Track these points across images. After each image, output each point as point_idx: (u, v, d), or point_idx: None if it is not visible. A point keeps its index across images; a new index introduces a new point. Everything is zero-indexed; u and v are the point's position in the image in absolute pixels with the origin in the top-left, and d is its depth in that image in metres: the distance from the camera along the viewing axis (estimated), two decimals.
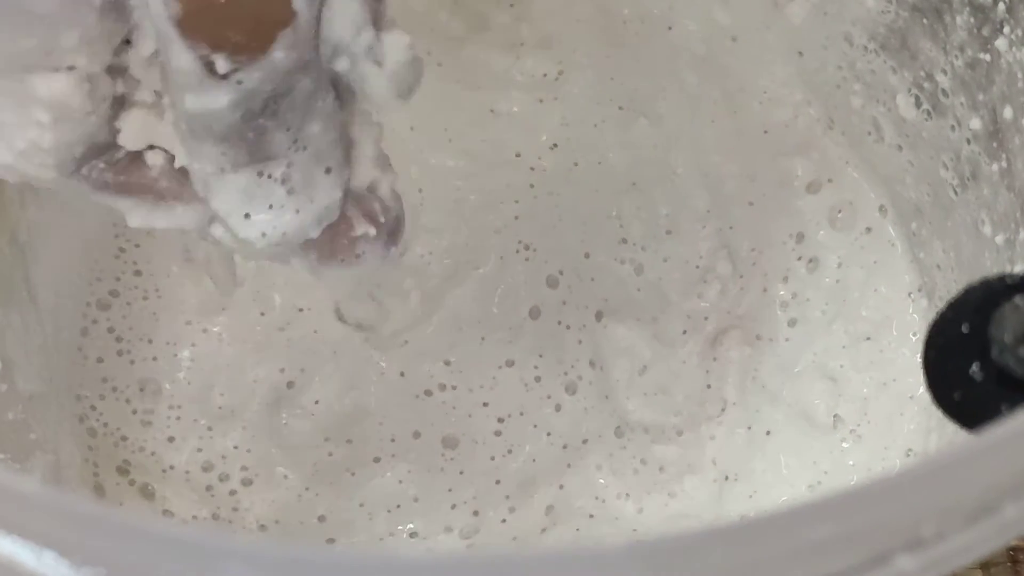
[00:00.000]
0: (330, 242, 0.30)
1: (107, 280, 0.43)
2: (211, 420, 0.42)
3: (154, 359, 0.42)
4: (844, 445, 0.41)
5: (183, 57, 0.26)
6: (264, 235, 0.29)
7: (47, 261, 0.40)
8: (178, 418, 0.42)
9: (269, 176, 0.28)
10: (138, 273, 0.43)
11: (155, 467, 0.41)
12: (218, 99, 0.26)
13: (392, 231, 0.31)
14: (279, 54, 0.26)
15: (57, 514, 0.19)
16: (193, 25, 0.25)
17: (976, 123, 0.38)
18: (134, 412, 0.42)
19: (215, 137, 0.27)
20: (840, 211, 0.44)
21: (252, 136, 0.27)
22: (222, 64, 0.26)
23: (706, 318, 0.43)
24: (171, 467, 0.41)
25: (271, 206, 0.28)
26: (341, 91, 0.29)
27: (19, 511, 0.19)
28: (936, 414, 0.27)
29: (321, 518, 0.41)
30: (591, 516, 0.41)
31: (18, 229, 0.39)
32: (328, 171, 0.29)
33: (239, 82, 0.26)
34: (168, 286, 0.43)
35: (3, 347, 0.37)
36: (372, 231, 0.30)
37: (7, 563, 0.19)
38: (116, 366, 0.42)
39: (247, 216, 0.28)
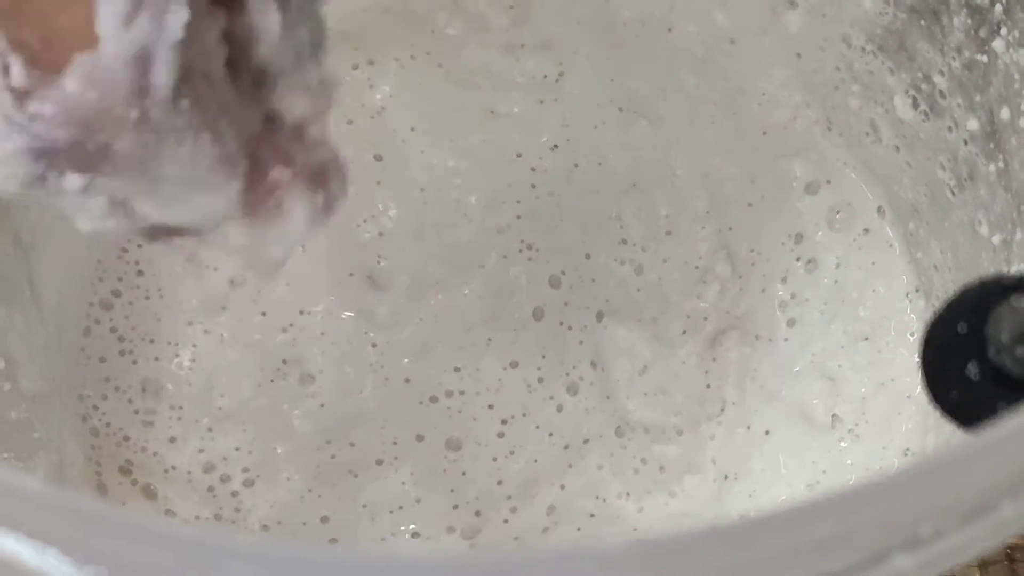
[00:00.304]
0: (246, 196, 0.25)
1: (110, 280, 0.43)
2: (213, 421, 0.42)
3: (156, 359, 0.42)
4: (842, 444, 0.41)
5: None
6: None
7: (50, 261, 0.40)
8: (179, 419, 0.42)
9: (124, 201, 0.24)
10: (140, 273, 0.43)
11: (157, 467, 0.41)
12: (12, 139, 0.22)
13: (317, 178, 0.26)
14: (71, 84, 0.21)
15: (60, 513, 0.19)
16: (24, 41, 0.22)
17: (973, 124, 0.38)
18: (136, 412, 0.42)
19: (23, 187, 0.23)
20: (838, 212, 0.44)
21: (77, 184, 0.23)
22: (17, 72, 0.22)
23: (705, 318, 0.43)
24: (173, 467, 0.41)
25: (159, 205, 0.24)
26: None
27: (22, 510, 0.19)
28: (934, 414, 0.27)
29: (324, 519, 0.41)
30: (592, 516, 0.41)
31: (21, 230, 0.39)
32: (206, 185, 0.24)
33: (31, 118, 0.22)
34: (170, 286, 0.43)
35: (6, 347, 0.37)
36: (288, 176, 0.25)
37: (10, 561, 0.19)
38: (118, 366, 0.42)
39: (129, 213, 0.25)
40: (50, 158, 0.22)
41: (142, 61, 0.21)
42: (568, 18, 0.46)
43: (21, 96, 0.22)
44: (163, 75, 0.22)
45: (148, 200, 0.24)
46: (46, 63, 0.21)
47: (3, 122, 0.22)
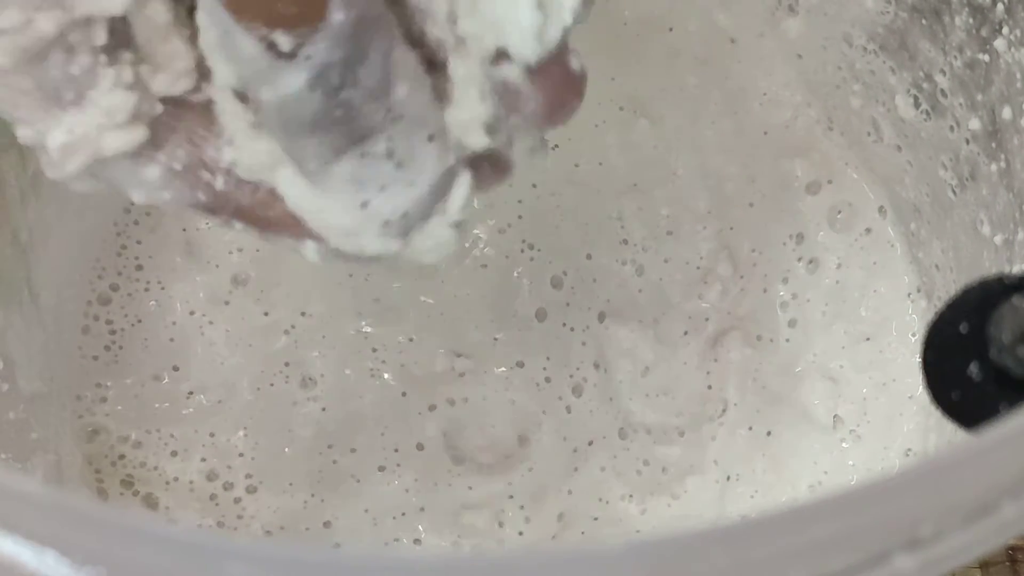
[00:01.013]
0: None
1: (109, 279, 0.43)
2: (214, 426, 0.42)
3: (156, 361, 0.42)
4: (844, 445, 0.41)
5: (245, 43, 0.25)
6: (387, 223, 0.27)
7: (48, 261, 0.40)
8: (180, 423, 0.42)
9: (372, 155, 0.26)
10: (140, 267, 0.43)
11: (158, 479, 0.41)
12: (293, 81, 0.25)
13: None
14: (338, 15, 0.25)
15: (58, 514, 0.19)
16: (244, 5, 0.25)
17: (975, 123, 0.38)
18: (136, 414, 0.42)
19: (306, 127, 0.26)
20: (840, 212, 0.44)
21: (341, 114, 0.26)
22: (284, 41, 0.25)
23: (707, 319, 0.43)
24: (175, 479, 0.41)
25: (383, 186, 0.27)
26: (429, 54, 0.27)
27: (20, 511, 0.19)
28: (935, 414, 0.27)
29: (326, 524, 0.41)
30: (595, 519, 0.41)
31: (19, 229, 0.39)
32: (431, 138, 0.27)
33: (308, 57, 0.25)
34: (171, 284, 0.43)
35: (5, 347, 0.37)
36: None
37: (8, 563, 0.19)
38: (117, 366, 0.42)
39: (364, 205, 0.27)
40: (326, 81, 0.25)
41: None
42: None
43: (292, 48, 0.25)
44: None
45: (395, 145, 0.26)
46: (308, 18, 0.25)
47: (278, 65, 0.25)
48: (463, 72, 0.27)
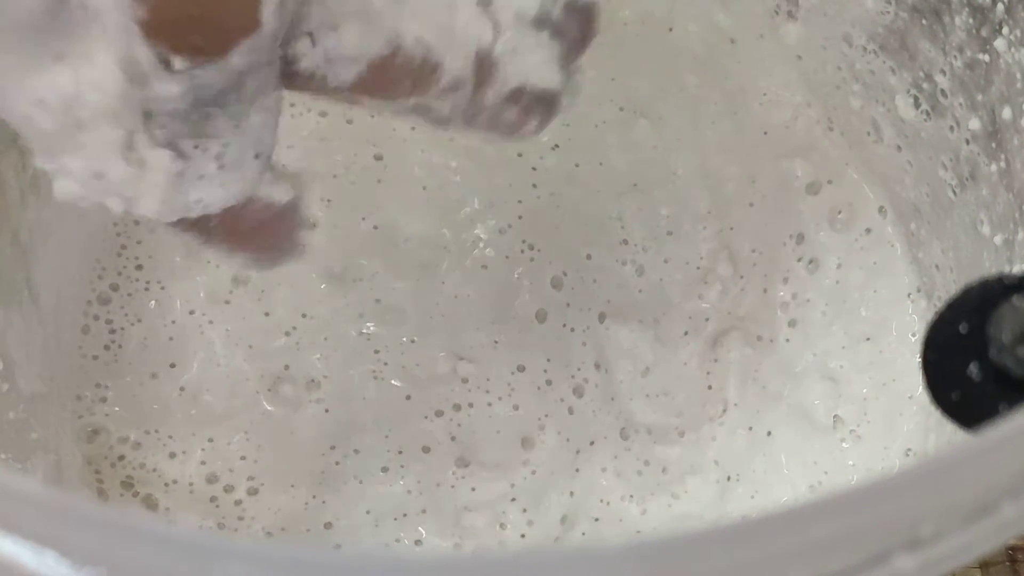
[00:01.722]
0: (235, 219, 0.30)
1: (108, 278, 0.43)
2: (215, 428, 0.42)
3: (156, 361, 0.42)
4: (844, 445, 0.41)
5: (140, 51, 0.26)
6: (182, 202, 0.29)
7: (48, 261, 0.40)
8: (180, 426, 0.42)
9: (205, 150, 0.28)
10: (140, 268, 0.43)
11: (158, 480, 0.41)
12: (169, 89, 0.26)
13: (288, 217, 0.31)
14: (237, 59, 0.27)
15: (58, 514, 0.19)
16: (157, 30, 0.26)
17: (975, 124, 0.38)
18: (136, 414, 0.42)
19: (161, 114, 0.27)
20: (840, 212, 0.44)
21: (196, 118, 0.27)
22: (178, 63, 0.26)
23: (707, 319, 0.43)
24: (174, 481, 0.41)
25: (201, 177, 0.28)
26: (297, 79, 0.29)
27: (20, 511, 0.19)
28: (935, 414, 0.27)
29: (327, 525, 0.41)
30: (596, 519, 0.41)
31: (19, 229, 0.39)
32: (257, 156, 0.29)
33: (193, 76, 0.26)
34: (172, 286, 0.43)
35: (4, 347, 0.37)
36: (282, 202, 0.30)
37: (7, 563, 0.19)
38: (117, 366, 0.42)
39: (178, 175, 0.28)
40: (197, 96, 0.27)
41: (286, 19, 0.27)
42: None
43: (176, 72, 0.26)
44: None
45: (227, 152, 0.28)
46: (211, 53, 0.26)
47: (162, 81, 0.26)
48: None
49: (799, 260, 0.44)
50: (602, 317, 0.43)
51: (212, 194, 0.29)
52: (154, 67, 0.26)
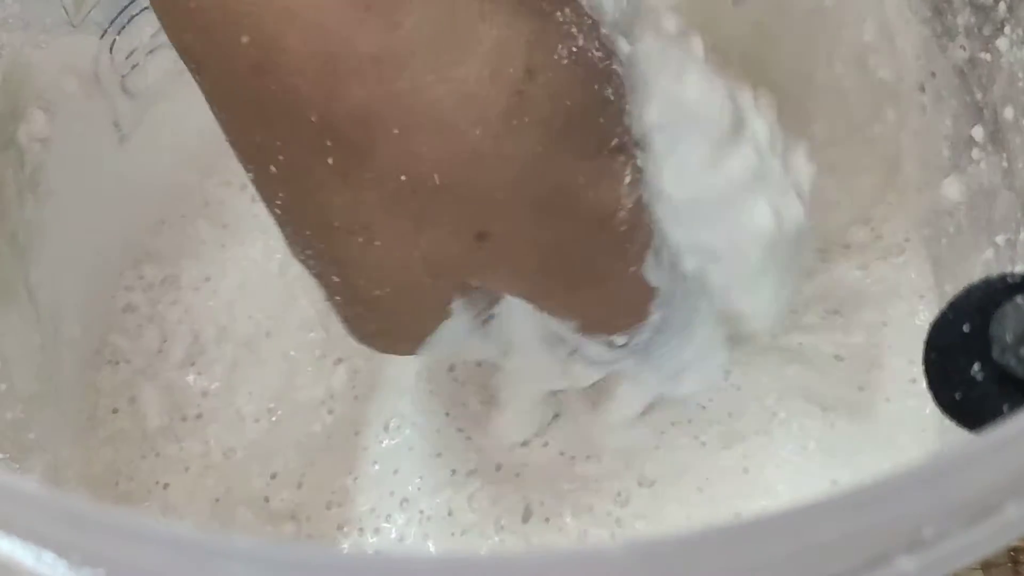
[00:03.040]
0: None
1: (108, 278, 0.43)
2: (215, 427, 0.41)
3: (155, 360, 0.42)
4: (842, 452, 0.41)
5: (593, 347, 0.34)
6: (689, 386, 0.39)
7: (47, 262, 0.40)
8: (180, 424, 0.42)
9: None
10: (139, 267, 0.43)
11: (157, 481, 0.41)
12: (624, 360, 0.35)
13: None
14: (655, 316, 0.34)
15: (56, 514, 0.19)
16: (591, 330, 0.34)
17: (977, 123, 0.38)
18: (134, 414, 0.42)
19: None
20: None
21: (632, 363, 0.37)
22: (620, 340, 0.34)
23: None
24: (175, 482, 0.41)
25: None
26: None
27: (17, 512, 0.19)
28: (937, 414, 0.27)
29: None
30: (598, 520, 0.41)
31: (17, 229, 0.39)
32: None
33: (635, 344, 0.35)
34: (170, 282, 0.43)
35: (2, 347, 0.37)
36: None
37: (6, 563, 0.19)
38: (116, 366, 0.42)
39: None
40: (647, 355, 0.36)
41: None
42: None
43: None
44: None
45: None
46: (637, 324, 0.34)
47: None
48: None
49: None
50: None
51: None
52: (607, 349, 0.35)
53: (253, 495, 0.40)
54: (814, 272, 0.43)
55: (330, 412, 0.42)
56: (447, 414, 0.41)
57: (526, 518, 0.40)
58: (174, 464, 0.41)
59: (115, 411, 0.42)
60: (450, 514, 0.39)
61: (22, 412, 0.38)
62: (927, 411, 0.40)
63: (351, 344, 0.34)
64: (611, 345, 0.34)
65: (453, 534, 0.39)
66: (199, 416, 0.42)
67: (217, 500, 0.41)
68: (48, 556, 0.19)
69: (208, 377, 0.42)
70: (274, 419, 0.42)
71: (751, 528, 0.19)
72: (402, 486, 0.40)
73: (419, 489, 0.40)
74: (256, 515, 0.40)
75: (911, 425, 0.41)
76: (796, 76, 0.46)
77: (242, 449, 0.41)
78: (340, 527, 0.40)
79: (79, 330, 0.42)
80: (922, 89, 0.41)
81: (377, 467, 0.40)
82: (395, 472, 0.40)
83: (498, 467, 0.40)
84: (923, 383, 0.26)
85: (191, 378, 0.42)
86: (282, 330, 0.43)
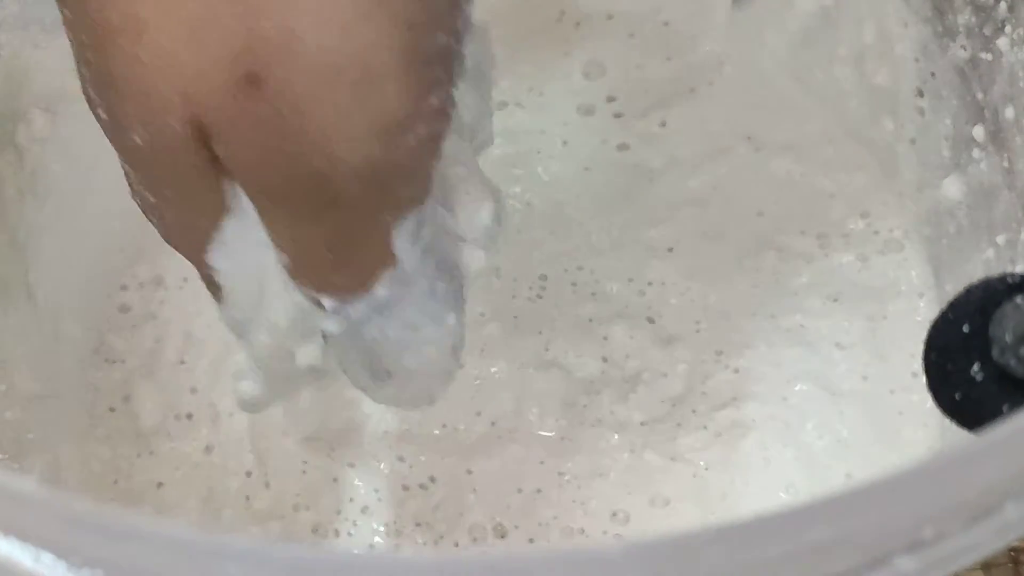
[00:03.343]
0: None
1: (108, 277, 0.43)
2: (216, 428, 0.41)
3: (155, 359, 0.42)
4: (846, 446, 0.41)
5: (296, 295, 0.29)
6: (392, 398, 0.34)
7: (46, 261, 0.40)
8: (181, 424, 0.41)
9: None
10: (139, 266, 0.43)
11: (157, 482, 0.41)
12: (330, 327, 0.29)
13: None
14: (382, 291, 0.28)
15: (55, 515, 0.19)
16: (300, 275, 0.28)
17: (978, 123, 0.38)
18: (134, 413, 0.42)
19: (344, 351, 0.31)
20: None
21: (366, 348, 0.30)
22: (329, 304, 0.28)
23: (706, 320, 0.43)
24: (174, 483, 0.41)
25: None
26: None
27: (17, 512, 0.19)
28: (937, 415, 0.27)
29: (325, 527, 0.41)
30: (597, 522, 0.41)
31: (17, 229, 0.39)
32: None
33: (346, 315, 0.29)
34: (170, 282, 0.43)
35: (1, 347, 0.37)
36: None
37: (5, 564, 0.19)
38: (115, 366, 0.42)
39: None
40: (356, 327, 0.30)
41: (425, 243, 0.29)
42: None
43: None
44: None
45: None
46: (355, 290, 0.28)
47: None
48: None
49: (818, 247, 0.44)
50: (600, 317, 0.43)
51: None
52: (311, 308, 0.29)
53: (236, 494, 0.40)
54: (813, 257, 0.43)
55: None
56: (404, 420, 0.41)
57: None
58: (168, 463, 0.41)
59: (112, 410, 0.41)
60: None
61: (21, 412, 0.38)
62: (927, 406, 0.40)
63: None
64: (317, 305, 0.29)
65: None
66: (189, 415, 0.42)
67: (206, 498, 0.40)
68: (47, 557, 0.19)
69: (197, 375, 0.42)
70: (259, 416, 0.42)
71: (751, 527, 0.19)
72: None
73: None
74: (239, 514, 0.40)
75: (911, 425, 0.41)
76: (793, 76, 0.46)
77: (224, 447, 0.41)
78: (315, 529, 0.40)
79: (78, 330, 0.42)
80: (920, 94, 0.41)
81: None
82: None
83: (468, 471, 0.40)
84: (923, 383, 0.26)
85: (183, 376, 0.42)
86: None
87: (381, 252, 0.28)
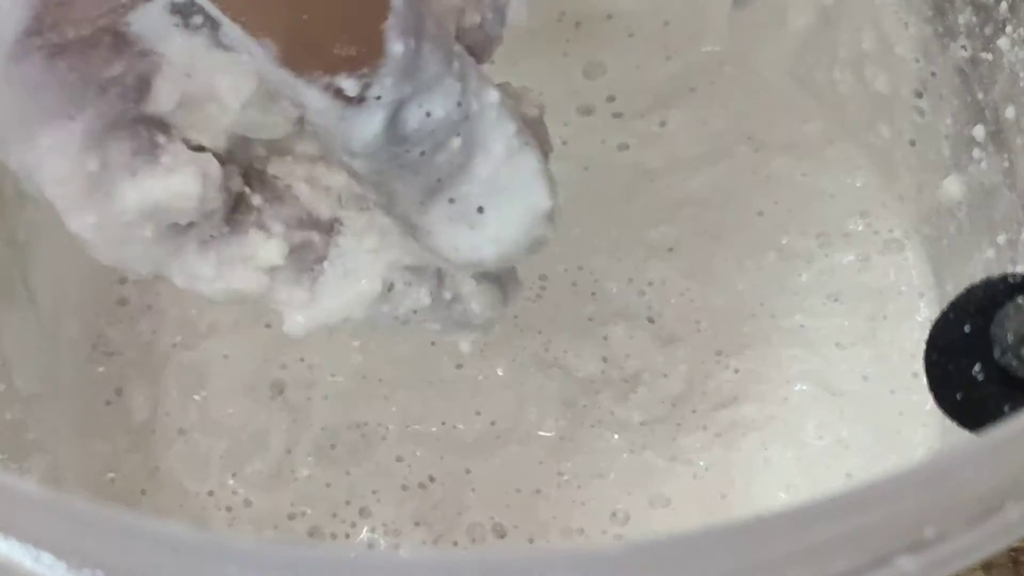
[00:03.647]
0: None
1: (106, 279, 0.43)
2: (216, 428, 0.41)
3: (155, 358, 0.42)
4: (846, 446, 0.41)
5: (313, 97, 0.25)
6: (498, 238, 0.28)
7: (46, 261, 0.40)
8: (181, 425, 0.41)
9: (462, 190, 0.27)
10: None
11: (156, 484, 0.41)
12: (370, 125, 0.26)
13: None
14: (396, 47, 0.25)
15: (55, 515, 0.19)
16: (298, 58, 0.25)
17: (978, 123, 0.38)
18: (134, 413, 0.42)
19: (395, 169, 0.27)
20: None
21: (428, 149, 0.26)
22: (349, 85, 0.25)
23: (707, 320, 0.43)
24: (173, 484, 0.41)
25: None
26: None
27: (16, 513, 0.19)
28: (938, 415, 0.27)
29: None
30: (597, 523, 0.41)
31: (17, 229, 0.39)
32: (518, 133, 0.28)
33: (378, 97, 0.25)
34: (171, 283, 0.43)
35: (1, 347, 0.37)
36: None
37: (5, 564, 0.19)
38: (115, 366, 0.42)
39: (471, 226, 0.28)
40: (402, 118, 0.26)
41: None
42: None
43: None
44: None
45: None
46: (368, 56, 0.25)
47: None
48: None
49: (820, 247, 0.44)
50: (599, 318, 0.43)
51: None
52: (336, 108, 0.25)
53: (230, 490, 0.40)
54: (813, 257, 0.43)
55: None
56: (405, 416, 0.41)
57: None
58: (164, 458, 0.41)
59: (108, 403, 0.41)
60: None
61: (21, 412, 0.37)
62: (928, 407, 0.40)
63: None
64: (342, 98, 0.25)
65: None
66: (184, 409, 0.42)
67: (210, 494, 0.40)
68: (47, 557, 0.19)
69: (193, 371, 0.42)
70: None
71: (751, 528, 0.19)
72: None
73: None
74: (234, 512, 0.40)
75: (911, 426, 0.41)
76: (793, 76, 0.46)
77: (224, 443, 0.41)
78: (313, 527, 0.40)
79: (77, 328, 0.42)
80: (920, 94, 0.41)
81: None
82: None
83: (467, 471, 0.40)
84: (924, 384, 0.26)
85: (177, 371, 0.42)
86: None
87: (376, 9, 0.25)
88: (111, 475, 0.41)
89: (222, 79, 0.27)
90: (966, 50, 0.38)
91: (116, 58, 0.26)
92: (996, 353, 0.24)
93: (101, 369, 0.42)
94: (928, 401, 0.27)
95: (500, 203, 0.28)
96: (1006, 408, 0.24)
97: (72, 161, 0.27)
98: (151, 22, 0.26)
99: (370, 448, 0.41)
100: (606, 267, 0.44)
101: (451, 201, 0.27)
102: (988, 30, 0.37)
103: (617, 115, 0.46)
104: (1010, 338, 0.24)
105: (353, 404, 0.41)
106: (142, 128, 0.27)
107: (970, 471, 0.20)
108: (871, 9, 0.41)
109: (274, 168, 0.29)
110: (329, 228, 0.30)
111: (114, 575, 0.19)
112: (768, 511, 0.19)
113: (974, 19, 0.37)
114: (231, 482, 0.40)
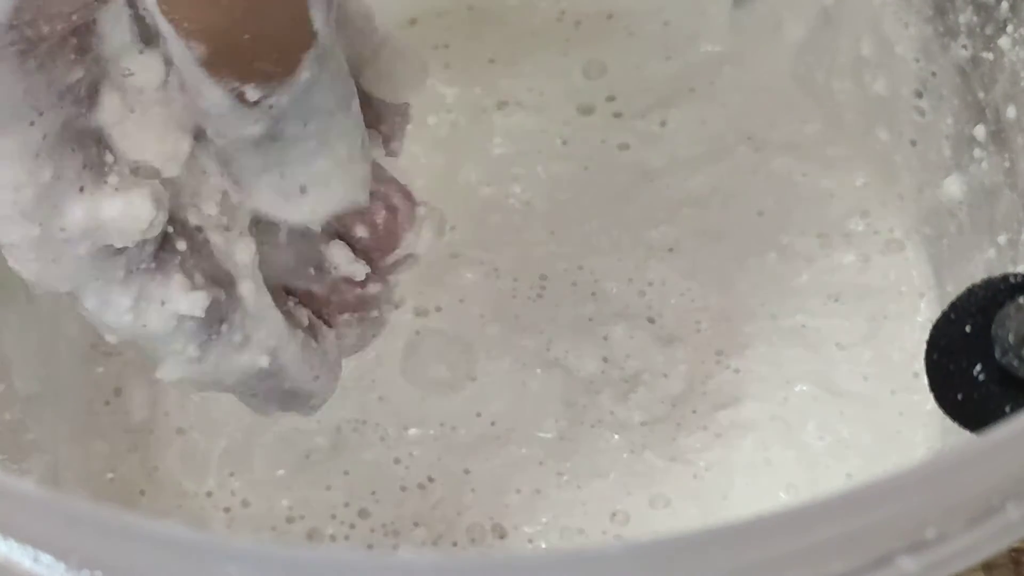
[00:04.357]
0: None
1: None
2: (216, 428, 0.41)
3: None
4: (846, 446, 0.41)
5: (215, 94, 0.26)
6: (313, 210, 0.29)
7: None
8: (181, 425, 0.41)
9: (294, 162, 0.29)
10: None
11: (156, 484, 0.41)
12: (255, 125, 0.27)
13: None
14: (306, 74, 0.27)
15: (54, 516, 0.19)
16: (220, 63, 0.26)
17: (979, 122, 0.38)
18: (132, 413, 0.41)
19: (254, 147, 0.28)
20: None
21: (289, 145, 0.28)
22: (253, 93, 0.26)
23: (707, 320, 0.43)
24: (173, 484, 0.41)
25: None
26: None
27: (16, 513, 0.19)
28: (939, 415, 0.27)
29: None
30: (596, 524, 0.41)
31: None
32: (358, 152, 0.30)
33: (270, 107, 0.27)
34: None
35: (1, 347, 0.37)
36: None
37: (5, 564, 0.19)
38: (114, 366, 0.42)
39: (302, 190, 0.29)
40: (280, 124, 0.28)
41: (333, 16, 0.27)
42: None
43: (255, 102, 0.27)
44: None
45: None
46: (280, 75, 0.26)
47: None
48: None
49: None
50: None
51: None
52: (231, 105, 0.26)
53: (229, 491, 0.40)
54: (813, 257, 0.43)
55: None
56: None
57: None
58: (163, 459, 0.41)
59: (107, 403, 0.41)
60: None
61: (20, 412, 0.37)
62: (928, 407, 0.40)
63: None
64: (241, 100, 0.26)
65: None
66: (183, 409, 0.42)
67: (208, 494, 0.40)
68: (47, 557, 0.19)
69: None
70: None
71: (751, 528, 0.19)
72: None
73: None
74: (232, 513, 0.40)
75: (912, 426, 0.41)
76: (793, 76, 0.46)
77: (219, 447, 0.41)
78: (312, 528, 0.40)
79: (76, 328, 0.42)
80: (920, 94, 0.41)
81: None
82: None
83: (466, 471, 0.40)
84: (925, 384, 0.26)
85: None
86: None
87: (303, 30, 0.26)
88: (110, 475, 0.41)
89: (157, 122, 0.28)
90: (967, 50, 0.38)
91: (78, 63, 0.27)
92: (997, 353, 0.24)
93: (100, 369, 0.42)
94: (928, 401, 0.27)
95: (321, 190, 0.29)
96: (1007, 408, 0.24)
97: (27, 168, 0.26)
98: (114, 19, 0.27)
99: (369, 449, 0.41)
100: (606, 267, 0.44)
101: (281, 176, 0.29)
102: (989, 29, 0.37)
103: (617, 115, 0.46)
104: (1011, 338, 0.24)
105: (352, 404, 0.41)
106: (91, 142, 0.27)
107: (970, 471, 0.20)
108: (871, 9, 0.41)
109: (194, 218, 0.30)
110: (233, 289, 0.30)
111: (113, 575, 0.19)
112: (768, 511, 0.19)
113: (975, 18, 0.37)
114: (230, 482, 0.40)
